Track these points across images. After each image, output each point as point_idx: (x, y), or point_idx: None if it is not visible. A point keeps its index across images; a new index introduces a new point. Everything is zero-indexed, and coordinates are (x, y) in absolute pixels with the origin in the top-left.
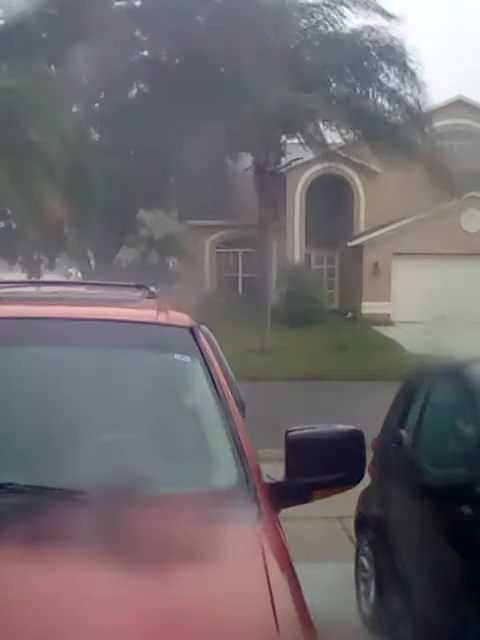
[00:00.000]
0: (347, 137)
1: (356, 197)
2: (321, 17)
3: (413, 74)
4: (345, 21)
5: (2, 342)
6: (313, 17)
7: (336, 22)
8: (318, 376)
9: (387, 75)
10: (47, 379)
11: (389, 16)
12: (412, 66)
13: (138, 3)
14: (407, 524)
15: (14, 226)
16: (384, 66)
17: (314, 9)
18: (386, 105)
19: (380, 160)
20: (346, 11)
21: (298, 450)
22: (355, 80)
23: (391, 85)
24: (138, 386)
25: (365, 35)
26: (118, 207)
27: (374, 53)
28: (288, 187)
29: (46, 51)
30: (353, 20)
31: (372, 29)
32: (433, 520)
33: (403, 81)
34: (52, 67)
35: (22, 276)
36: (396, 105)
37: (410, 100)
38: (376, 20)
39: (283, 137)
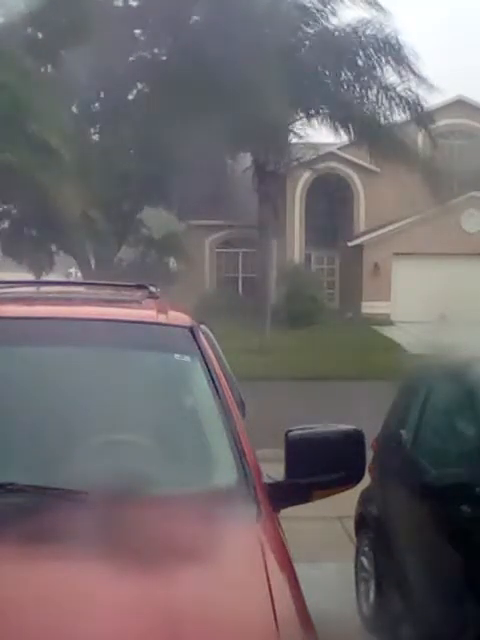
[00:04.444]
0: (345, 137)
1: (356, 197)
2: (317, 12)
3: (411, 68)
4: (341, 16)
5: (2, 342)
6: (309, 13)
7: (332, 16)
8: (318, 376)
9: (383, 69)
10: (48, 379)
11: (382, 9)
12: (410, 59)
13: (136, 3)
14: (407, 524)
15: (19, 225)
16: (381, 60)
17: (310, 5)
18: (385, 102)
19: (378, 161)
20: (341, 6)
21: (298, 450)
22: (353, 77)
23: (389, 80)
24: (138, 386)
25: (360, 29)
26: (118, 207)
27: (371, 48)
28: (288, 187)
29: (45, 51)
30: (348, 14)
31: (368, 22)
32: (433, 520)
33: (401, 76)
34: (50, 67)
35: (28, 276)
36: (396, 102)
37: (410, 96)
38: (370, 14)
39: (282, 137)
